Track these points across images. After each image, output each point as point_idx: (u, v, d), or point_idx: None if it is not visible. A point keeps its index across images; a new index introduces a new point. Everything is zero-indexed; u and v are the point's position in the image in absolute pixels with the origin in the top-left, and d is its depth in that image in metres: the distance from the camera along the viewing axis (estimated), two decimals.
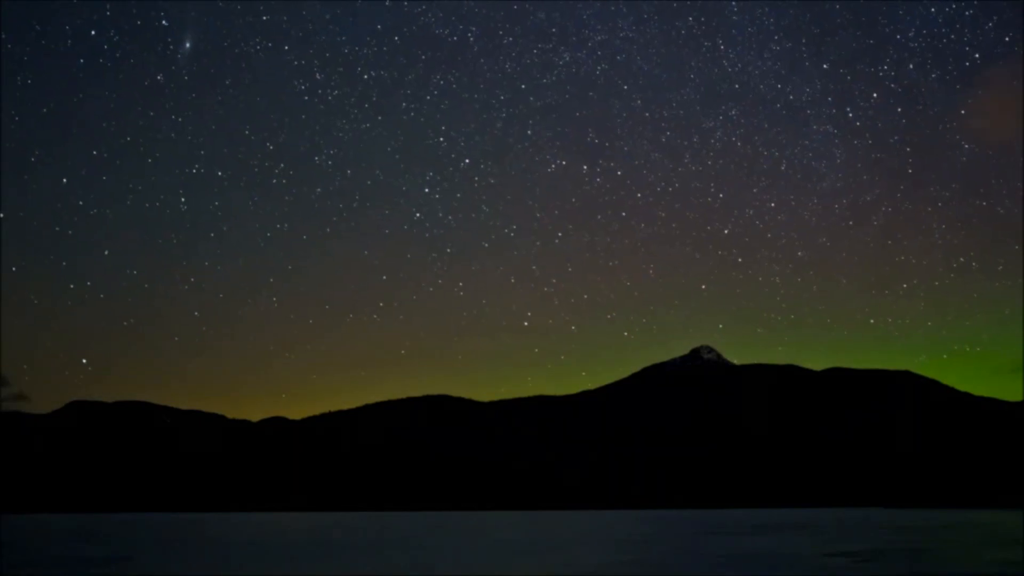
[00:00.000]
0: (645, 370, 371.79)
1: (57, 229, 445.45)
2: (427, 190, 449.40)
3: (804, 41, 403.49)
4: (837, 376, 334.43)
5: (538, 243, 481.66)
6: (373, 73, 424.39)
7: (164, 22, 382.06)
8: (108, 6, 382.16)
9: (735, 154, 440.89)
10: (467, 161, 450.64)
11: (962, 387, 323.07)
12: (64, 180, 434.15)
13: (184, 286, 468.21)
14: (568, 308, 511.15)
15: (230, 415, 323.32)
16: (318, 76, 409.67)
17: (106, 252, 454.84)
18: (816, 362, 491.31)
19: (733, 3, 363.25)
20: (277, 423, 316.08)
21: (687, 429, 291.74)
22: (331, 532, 61.18)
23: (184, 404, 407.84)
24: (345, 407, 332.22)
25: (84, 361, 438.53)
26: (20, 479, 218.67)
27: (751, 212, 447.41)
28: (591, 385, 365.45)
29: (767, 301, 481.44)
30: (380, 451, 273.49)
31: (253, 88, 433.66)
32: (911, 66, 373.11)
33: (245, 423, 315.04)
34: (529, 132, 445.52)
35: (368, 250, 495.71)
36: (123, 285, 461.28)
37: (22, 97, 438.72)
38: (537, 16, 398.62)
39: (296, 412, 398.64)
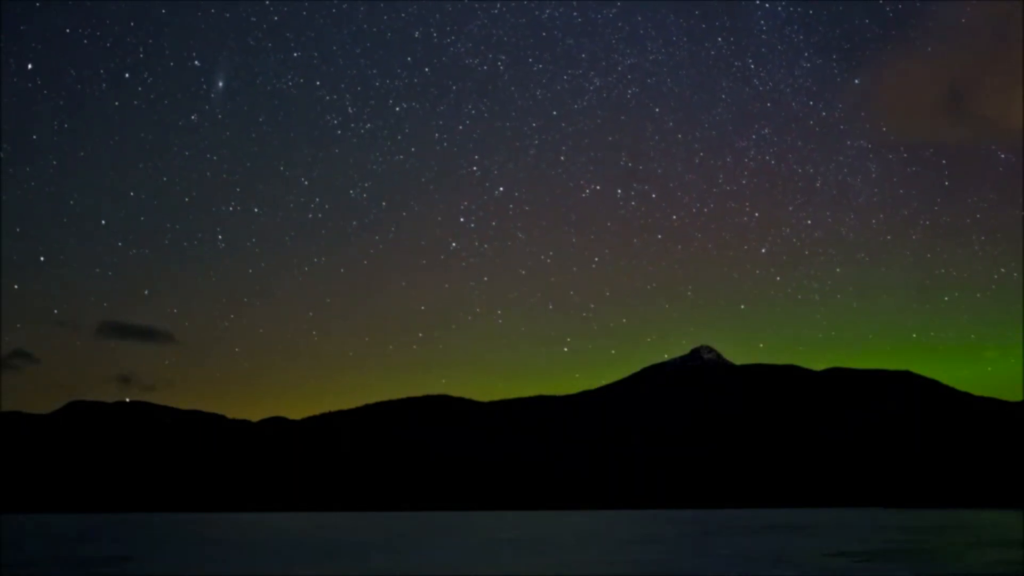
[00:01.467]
0: (645, 370, 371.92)
1: (97, 271, 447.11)
2: (462, 219, 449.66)
3: (835, 57, 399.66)
4: (837, 376, 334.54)
5: (574, 269, 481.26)
6: (405, 105, 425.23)
7: (196, 62, 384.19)
8: (141, 49, 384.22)
9: (769, 173, 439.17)
10: (501, 189, 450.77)
11: (962, 387, 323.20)
12: (103, 222, 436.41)
13: (224, 323, 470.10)
14: (607, 332, 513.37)
15: (230, 415, 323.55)
16: (350, 110, 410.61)
17: (146, 292, 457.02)
18: (816, 362, 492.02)
19: (762, 22, 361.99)
20: (277, 423, 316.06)
21: (687, 429, 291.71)
22: (331, 532, 61.18)
23: (184, 404, 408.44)
24: (345, 407, 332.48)
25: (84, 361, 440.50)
26: (20, 479, 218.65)
27: (787, 230, 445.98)
28: (591, 385, 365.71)
29: (807, 319, 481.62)
30: (380, 451, 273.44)
31: (286, 124, 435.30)
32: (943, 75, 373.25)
33: (245, 423, 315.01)
34: (562, 158, 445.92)
35: (406, 281, 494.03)
36: (167, 325, 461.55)
37: (59, 141, 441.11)
38: (566, 42, 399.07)
39: (296, 412, 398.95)
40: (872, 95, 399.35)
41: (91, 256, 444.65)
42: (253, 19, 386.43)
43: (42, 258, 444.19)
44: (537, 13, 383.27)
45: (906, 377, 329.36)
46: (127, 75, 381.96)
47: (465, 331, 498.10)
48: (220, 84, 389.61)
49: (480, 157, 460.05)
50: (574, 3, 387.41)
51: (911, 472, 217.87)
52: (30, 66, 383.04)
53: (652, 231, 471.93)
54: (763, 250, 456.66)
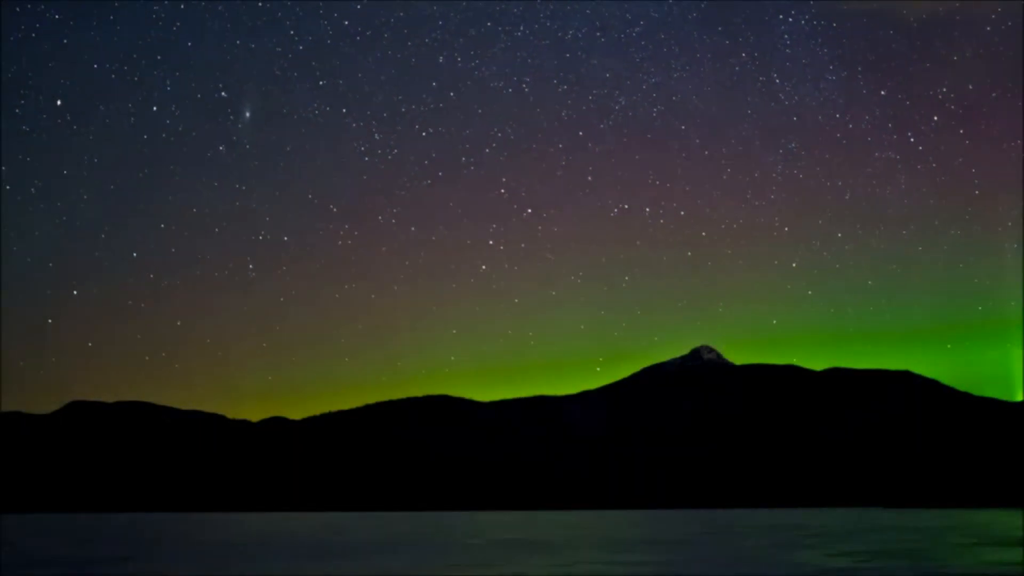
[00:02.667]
0: (645, 370, 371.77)
1: (130, 303, 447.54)
2: (491, 242, 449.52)
3: (860, 69, 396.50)
4: (837, 376, 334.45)
5: (605, 288, 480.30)
6: (431, 130, 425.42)
7: (223, 94, 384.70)
8: (168, 82, 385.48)
9: (797, 187, 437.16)
10: (529, 211, 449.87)
11: (962, 387, 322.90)
12: (134, 254, 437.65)
13: (259, 352, 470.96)
14: (639, 350, 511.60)
15: (230, 415, 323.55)
16: (377, 136, 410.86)
17: (179, 323, 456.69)
18: (816, 362, 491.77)
19: (786, 37, 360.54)
20: (277, 423, 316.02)
21: (687, 429, 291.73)
22: (331, 532, 61.17)
23: (184, 404, 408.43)
24: (345, 407, 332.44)
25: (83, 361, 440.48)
26: (20, 479, 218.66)
27: (818, 244, 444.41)
28: (591, 385, 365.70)
29: (842, 331, 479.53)
30: (380, 451, 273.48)
31: (314, 152, 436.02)
32: (970, 86, 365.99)
33: (245, 423, 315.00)
34: (589, 178, 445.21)
35: (437, 305, 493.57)
36: (201, 359, 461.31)
37: (90, 175, 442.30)
38: (590, 63, 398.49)
39: (296, 412, 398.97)
40: (899, 106, 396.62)
41: (123, 289, 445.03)
42: (278, 49, 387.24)
43: (75, 292, 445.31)
44: (560, 34, 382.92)
45: (906, 377, 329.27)
46: (155, 108, 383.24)
47: (498, 352, 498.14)
48: (247, 114, 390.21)
49: (508, 180, 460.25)
50: (597, 23, 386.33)
51: (911, 472, 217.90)
52: (59, 102, 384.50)
53: (681, 248, 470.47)
54: (794, 264, 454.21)
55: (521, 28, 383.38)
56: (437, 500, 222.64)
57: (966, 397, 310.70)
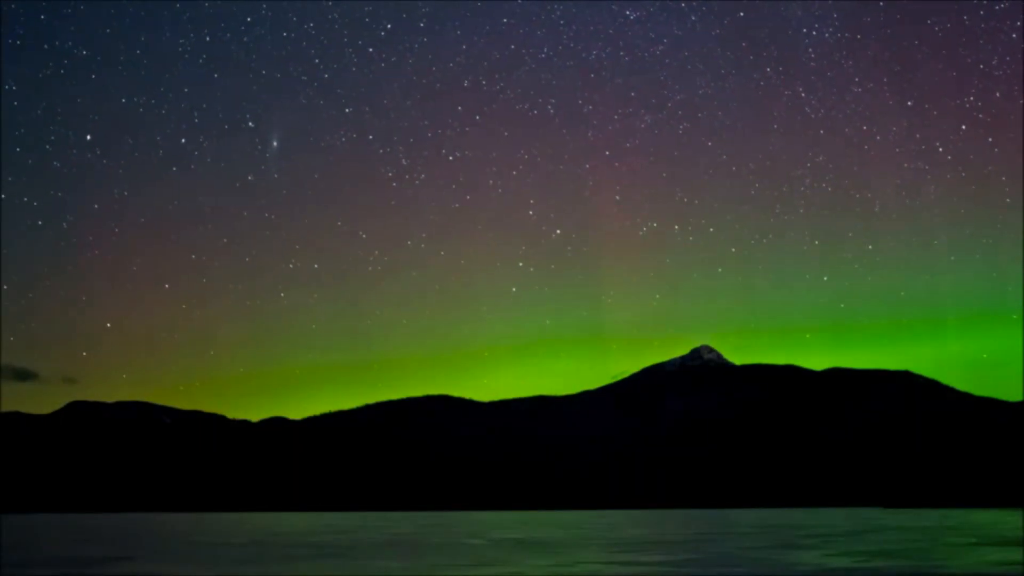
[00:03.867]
0: (645, 370, 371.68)
1: (163, 335, 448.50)
2: (521, 264, 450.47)
3: (885, 80, 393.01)
4: (837, 376, 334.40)
5: (635, 307, 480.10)
6: (458, 153, 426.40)
7: (250, 123, 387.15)
8: (195, 114, 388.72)
9: (826, 200, 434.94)
10: (558, 232, 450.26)
11: (962, 387, 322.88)
12: (166, 286, 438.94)
13: (293, 381, 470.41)
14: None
15: (230, 415, 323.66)
16: (404, 161, 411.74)
17: (211, 352, 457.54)
18: (816, 362, 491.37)
19: (810, 50, 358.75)
20: (277, 423, 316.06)
21: (687, 429, 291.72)
22: (331, 532, 61.15)
23: (184, 404, 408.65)
24: (345, 407, 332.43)
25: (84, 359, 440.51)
26: (20, 479, 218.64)
27: (849, 257, 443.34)
28: (591, 385, 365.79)
29: (877, 343, 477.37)
30: (380, 451, 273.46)
31: (342, 179, 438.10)
32: (997, 94, 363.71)
33: (245, 423, 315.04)
34: (617, 197, 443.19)
35: (469, 328, 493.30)
36: (227, 386, 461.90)
37: (120, 209, 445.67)
38: (615, 82, 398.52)
39: (296, 412, 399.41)
40: (926, 116, 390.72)
41: (156, 320, 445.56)
42: (304, 78, 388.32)
43: (108, 324, 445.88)
44: (584, 55, 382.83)
45: (906, 377, 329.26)
46: (183, 140, 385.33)
47: (530, 376, 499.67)
48: (274, 143, 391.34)
49: (535, 201, 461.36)
50: (620, 43, 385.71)
51: (911, 472, 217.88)
52: (88, 137, 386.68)
53: (712, 264, 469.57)
54: (825, 278, 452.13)
55: (545, 50, 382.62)
56: (437, 500, 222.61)
57: (966, 397, 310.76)
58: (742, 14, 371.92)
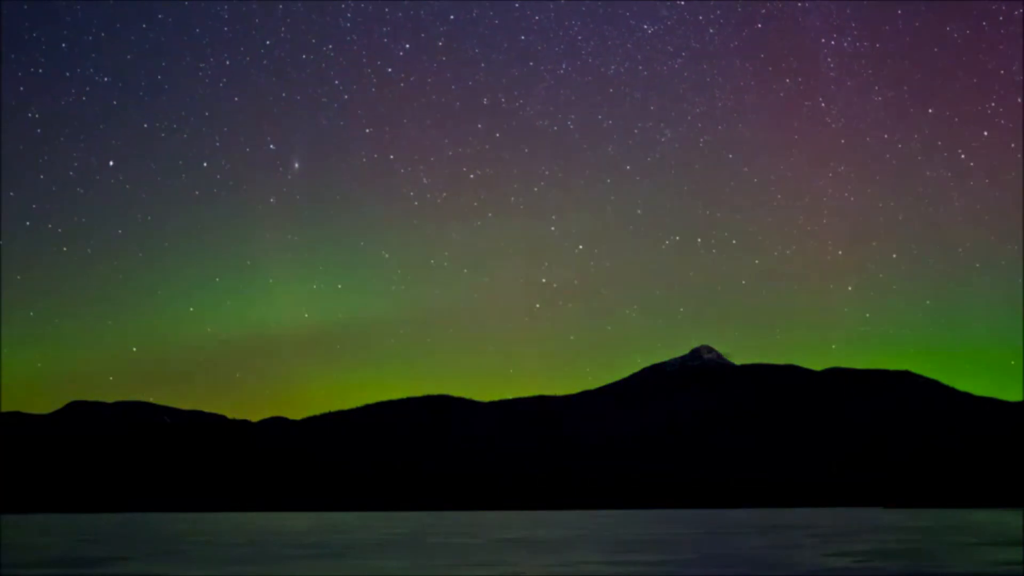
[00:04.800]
0: (645, 370, 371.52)
1: (188, 357, 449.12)
2: (544, 280, 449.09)
3: (906, 88, 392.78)
4: (837, 376, 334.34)
5: (660, 321, 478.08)
6: (479, 171, 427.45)
7: (272, 146, 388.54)
8: (217, 138, 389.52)
9: (849, 209, 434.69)
10: (580, 247, 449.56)
11: (962, 387, 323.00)
12: (191, 309, 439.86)
13: (327, 409, 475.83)
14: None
15: (230, 415, 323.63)
16: (425, 180, 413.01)
17: (237, 375, 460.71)
18: (816, 362, 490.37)
19: (829, 60, 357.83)
20: (277, 423, 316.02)
21: (687, 429, 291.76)
22: (331, 532, 61.16)
23: (184, 404, 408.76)
24: (345, 407, 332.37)
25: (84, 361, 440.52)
26: (20, 479, 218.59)
27: (873, 266, 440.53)
28: (591, 385, 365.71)
29: (903, 352, 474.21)
30: (380, 451, 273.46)
31: (363, 200, 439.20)
32: (1019, 99, 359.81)
33: (245, 423, 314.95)
34: (639, 211, 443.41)
35: (493, 346, 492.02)
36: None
37: (144, 233, 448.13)
38: (634, 96, 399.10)
39: (296, 412, 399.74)
40: (948, 123, 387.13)
41: (182, 344, 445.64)
42: (324, 100, 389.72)
43: (134, 348, 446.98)
44: (603, 70, 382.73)
45: (906, 377, 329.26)
46: (205, 164, 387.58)
47: (559, 394, 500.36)
48: (296, 165, 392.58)
49: (557, 217, 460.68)
50: (639, 57, 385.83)
51: (911, 472, 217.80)
52: (111, 163, 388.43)
53: (736, 277, 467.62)
54: (850, 288, 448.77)
55: (563, 66, 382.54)
56: (437, 500, 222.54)
57: (966, 397, 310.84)
58: (760, 26, 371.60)
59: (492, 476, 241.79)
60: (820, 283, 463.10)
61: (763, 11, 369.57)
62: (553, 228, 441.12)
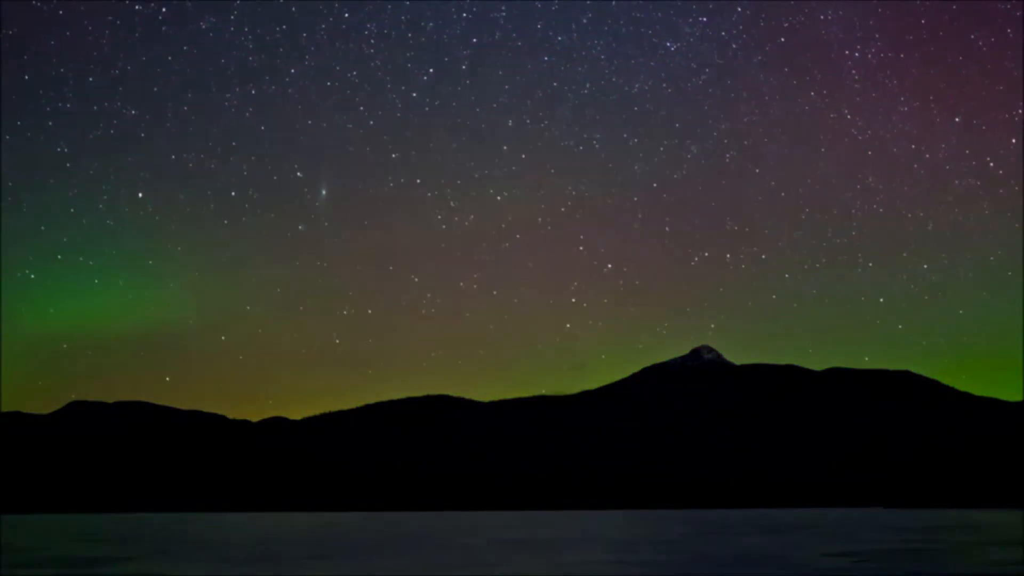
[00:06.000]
0: (645, 370, 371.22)
1: (221, 387, 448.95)
2: (574, 300, 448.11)
3: (932, 98, 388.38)
4: (837, 376, 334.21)
5: (691, 337, 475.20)
6: (506, 193, 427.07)
7: (299, 174, 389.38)
8: (244, 167, 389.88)
9: (878, 221, 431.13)
10: (609, 266, 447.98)
11: (962, 387, 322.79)
12: (223, 337, 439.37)
13: (327, 409, 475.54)
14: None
15: (230, 415, 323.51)
16: (452, 204, 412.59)
17: (270, 401, 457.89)
18: (816, 362, 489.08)
19: (853, 72, 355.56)
20: (277, 423, 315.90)
21: (687, 429, 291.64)
22: (331, 532, 61.15)
23: (184, 404, 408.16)
24: (345, 407, 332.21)
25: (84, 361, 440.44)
26: (20, 479, 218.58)
27: (904, 277, 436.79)
28: (591, 385, 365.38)
29: (937, 362, 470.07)
30: (380, 451, 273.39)
31: (391, 224, 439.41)
32: None
33: (245, 423, 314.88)
34: (667, 228, 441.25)
35: (523, 368, 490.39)
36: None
37: (175, 264, 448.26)
38: (659, 114, 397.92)
39: (296, 412, 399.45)
40: (975, 131, 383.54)
41: (214, 372, 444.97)
42: (350, 126, 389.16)
43: (167, 378, 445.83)
44: (627, 89, 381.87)
45: (906, 377, 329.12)
46: (233, 193, 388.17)
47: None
48: (323, 192, 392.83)
49: (585, 236, 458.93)
50: (663, 75, 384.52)
51: (911, 472, 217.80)
52: (140, 194, 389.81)
53: (766, 292, 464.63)
54: (881, 300, 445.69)
55: (587, 86, 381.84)
56: (437, 500, 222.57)
57: (966, 397, 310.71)
58: (783, 39, 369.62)
59: (492, 476, 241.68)
60: (851, 296, 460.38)
61: (786, 25, 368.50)
62: (582, 248, 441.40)
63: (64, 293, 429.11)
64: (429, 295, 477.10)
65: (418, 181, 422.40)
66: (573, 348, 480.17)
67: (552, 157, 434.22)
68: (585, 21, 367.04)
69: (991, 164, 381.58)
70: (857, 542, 38.80)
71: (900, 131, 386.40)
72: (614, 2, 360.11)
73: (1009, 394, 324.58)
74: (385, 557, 31.31)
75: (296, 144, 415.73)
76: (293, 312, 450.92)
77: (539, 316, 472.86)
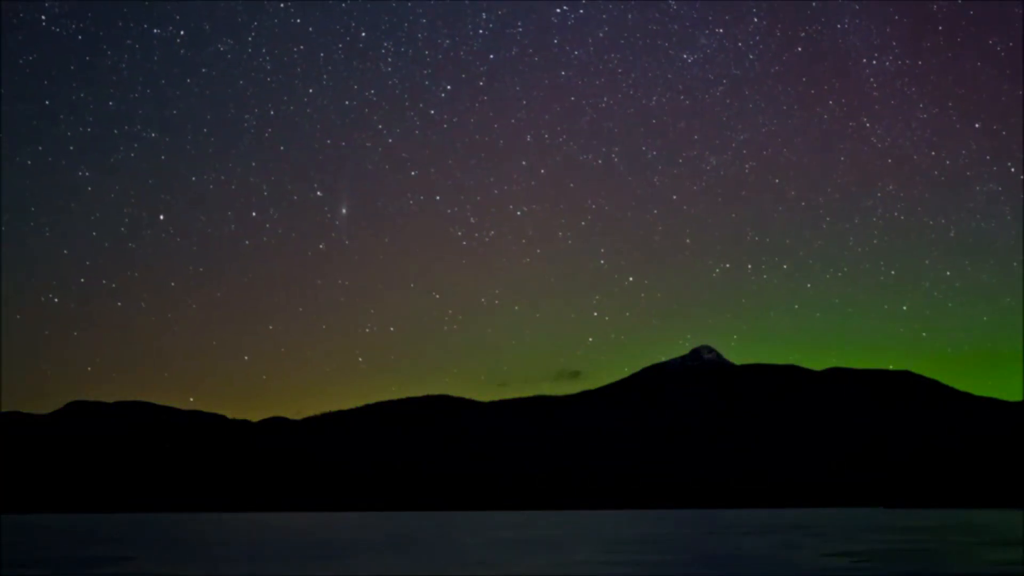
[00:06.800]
0: (645, 370, 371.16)
1: (247, 406, 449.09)
2: (596, 314, 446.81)
3: (950, 104, 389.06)
4: (837, 376, 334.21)
5: (716, 347, 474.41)
6: (525, 208, 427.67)
7: (319, 193, 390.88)
8: (264, 187, 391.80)
9: (899, 228, 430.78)
10: (631, 279, 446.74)
11: (962, 387, 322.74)
12: (245, 357, 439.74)
13: (327, 409, 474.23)
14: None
15: (230, 415, 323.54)
16: (472, 220, 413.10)
17: (298, 419, 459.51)
18: (816, 362, 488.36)
19: (872, 79, 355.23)
20: (277, 423, 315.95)
21: (687, 429, 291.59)
22: (331, 532, 61.14)
23: (184, 404, 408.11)
24: (345, 407, 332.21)
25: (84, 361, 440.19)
26: (20, 479, 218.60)
27: (927, 284, 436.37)
28: (591, 385, 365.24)
29: (964, 370, 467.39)
30: (380, 451, 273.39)
31: (412, 242, 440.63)
32: None
33: (245, 423, 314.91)
34: (688, 240, 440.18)
35: (549, 383, 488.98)
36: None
37: (195, 284, 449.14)
38: (677, 126, 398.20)
39: (296, 412, 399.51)
40: (995, 136, 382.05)
41: (238, 393, 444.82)
42: (368, 144, 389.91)
43: (192, 398, 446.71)
44: (644, 102, 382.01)
45: (906, 377, 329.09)
46: (254, 214, 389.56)
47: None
48: (343, 211, 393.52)
49: (606, 250, 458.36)
50: (680, 87, 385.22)
51: (911, 472, 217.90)
52: (161, 216, 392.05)
53: (789, 302, 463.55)
54: (904, 307, 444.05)
55: (605, 99, 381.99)
56: (437, 500, 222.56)
57: (966, 397, 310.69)
58: (800, 49, 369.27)
59: (492, 476, 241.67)
60: (874, 304, 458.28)
61: (802, 34, 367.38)
62: (602, 262, 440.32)
63: (88, 316, 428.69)
64: (451, 311, 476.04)
65: (437, 198, 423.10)
66: (597, 360, 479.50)
67: (571, 171, 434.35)
68: (601, 35, 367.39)
69: (1012, 169, 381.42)
70: (857, 542, 38.78)
71: (919, 138, 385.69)
72: (630, 16, 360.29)
73: (1009, 394, 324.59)
74: (385, 557, 31.29)
75: (315, 163, 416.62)
76: (316, 331, 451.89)
77: (560, 332, 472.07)
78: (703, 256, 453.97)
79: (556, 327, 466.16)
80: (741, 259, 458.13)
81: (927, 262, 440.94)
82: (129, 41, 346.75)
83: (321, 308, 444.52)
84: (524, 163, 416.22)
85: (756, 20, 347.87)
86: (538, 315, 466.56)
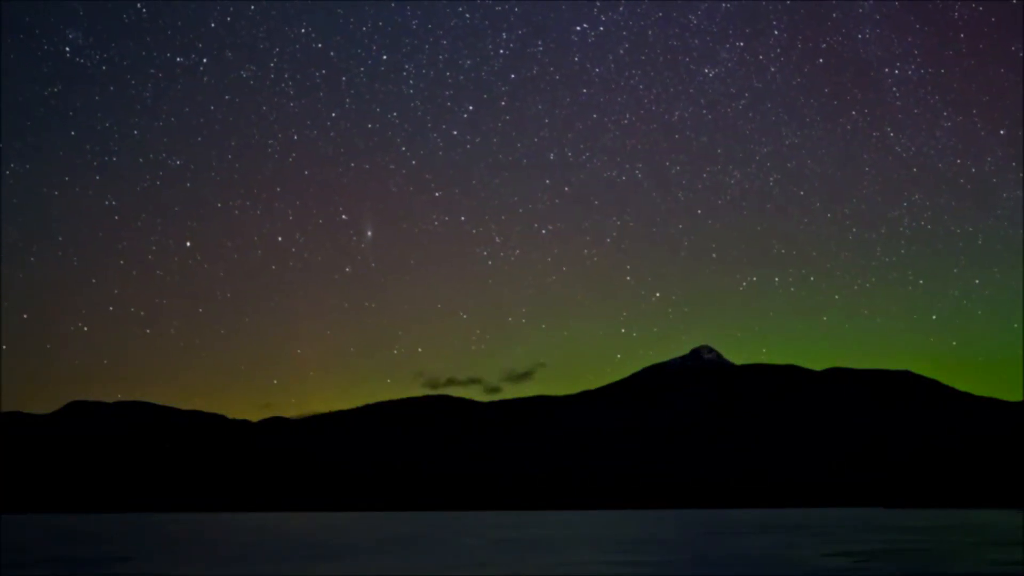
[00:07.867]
0: (645, 370, 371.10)
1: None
2: (623, 330, 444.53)
3: (975, 112, 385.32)
4: (837, 376, 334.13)
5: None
6: (550, 226, 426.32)
7: (344, 216, 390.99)
8: (289, 212, 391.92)
9: (927, 237, 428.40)
10: (658, 295, 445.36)
11: (962, 387, 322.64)
12: (275, 381, 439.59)
13: (327, 409, 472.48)
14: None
15: (230, 415, 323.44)
16: (497, 239, 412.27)
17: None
18: (816, 362, 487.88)
19: (894, 89, 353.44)
20: (277, 423, 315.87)
21: (687, 429, 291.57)
22: (330, 533, 61.14)
23: (184, 404, 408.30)
24: (345, 407, 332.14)
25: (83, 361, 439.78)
26: (20, 479, 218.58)
27: (956, 293, 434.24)
28: (591, 385, 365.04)
29: (997, 377, 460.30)
30: (380, 451, 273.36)
31: (437, 263, 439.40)
32: None
33: (245, 423, 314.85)
34: (714, 255, 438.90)
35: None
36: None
37: (223, 310, 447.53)
38: (700, 140, 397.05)
39: (296, 412, 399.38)
40: (1021, 143, 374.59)
41: (262, 418, 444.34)
42: (392, 166, 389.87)
43: (224, 413, 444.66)
44: (667, 117, 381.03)
45: (906, 377, 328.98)
46: (280, 239, 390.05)
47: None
48: (368, 234, 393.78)
49: (632, 266, 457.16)
50: (702, 101, 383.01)
51: (911, 472, 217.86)
52: (188, 243, 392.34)
53: (816, 313, 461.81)
54: (933, 316, 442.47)
55: (627, 116, 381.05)
56: (437, 500, 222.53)
57: (966, 397, 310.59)
58: (821, 60, 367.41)
59: (492, 476, 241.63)
60: (903, 313, 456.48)
61: (823, 45, 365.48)
62: (629, 278, 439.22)
63: (118, 345, 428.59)
64: (478, 331, 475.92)
65: (462, 218, 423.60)
66: (626, 378, 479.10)
67: (595, 188, 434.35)
68: (622, 52, 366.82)
69: None
70: (857, 542, 38.78)
71: (944, 146, 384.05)
72: (651, 32, 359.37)
73: (1009, 394, 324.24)
74: (385, 557, 31.29)
75: (340, 187, 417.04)
76: (344, 355, 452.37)
77: (589, 350, 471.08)
78: (730, 270, 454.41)
79: (584, 346, 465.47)
80: (767, 271, 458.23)
81: (955, 270, 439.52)
82: (152, 70, 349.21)
83: (348, 332, 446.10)
84: (548, 181, 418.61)
85: (776, 32, 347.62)
86: (566, 333, 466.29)
